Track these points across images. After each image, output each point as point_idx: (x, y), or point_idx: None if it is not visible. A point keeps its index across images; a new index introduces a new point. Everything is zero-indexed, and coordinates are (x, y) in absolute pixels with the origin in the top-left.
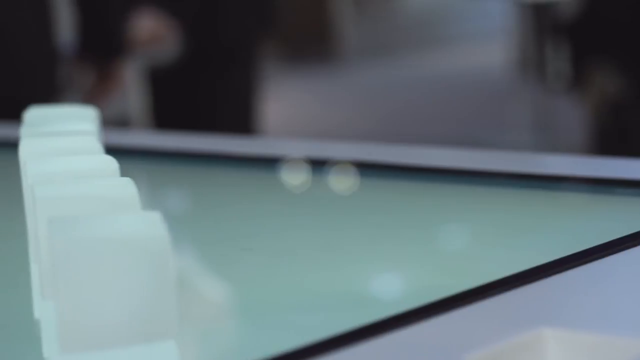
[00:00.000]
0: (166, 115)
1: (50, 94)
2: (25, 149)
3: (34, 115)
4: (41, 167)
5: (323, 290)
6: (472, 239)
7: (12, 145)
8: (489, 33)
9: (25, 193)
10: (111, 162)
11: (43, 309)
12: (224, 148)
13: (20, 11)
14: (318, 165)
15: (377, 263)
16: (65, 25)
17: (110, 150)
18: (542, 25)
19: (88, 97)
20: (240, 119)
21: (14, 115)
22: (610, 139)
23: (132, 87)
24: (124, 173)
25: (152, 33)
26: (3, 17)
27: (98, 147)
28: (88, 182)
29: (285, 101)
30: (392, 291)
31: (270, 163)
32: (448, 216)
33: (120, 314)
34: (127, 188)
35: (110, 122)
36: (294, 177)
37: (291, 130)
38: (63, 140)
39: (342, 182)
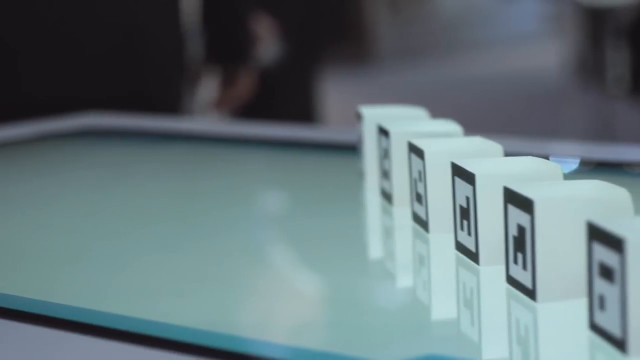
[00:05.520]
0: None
1: (176, 96)
2: (431, 150)
3: (373, 115)
4: (486, 168)
5: None
6: None
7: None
8: (527, 36)
9: (430, 189)
10: (555, 165)
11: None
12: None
13: (152, 13)
14: None
15: None
16: (193, 29)
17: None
18: (598, 28)
19: (215, 103)
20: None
21: (140, 111)
22: None
23: None
24: None
25: (255, 34)
26: (136, 19)
27: (499, 149)
28: (573, 185)
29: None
30: None
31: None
32: None
33: None
34: (616, 190)
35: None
36: None
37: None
38: (463, 142)
39: None
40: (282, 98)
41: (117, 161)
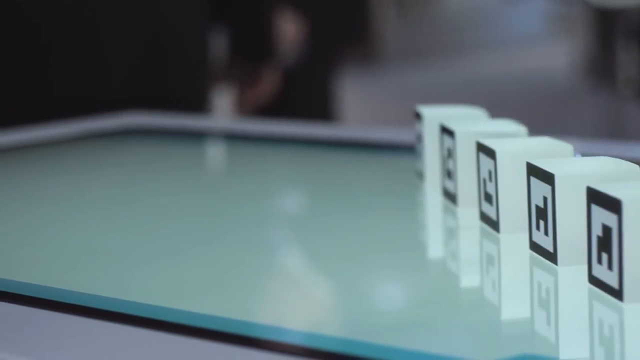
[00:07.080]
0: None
1: (199, 96)
2: (503, 150)
3: (433, 115)
4: (564, 168)
5: None
6: None
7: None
8: (536, 36)
9: (500, 189)
10: (633, 165)
11: None
12: None
13: (178, 14)
14: None
15: None
16: (217, 28)
17: None
18: (608, 29)
19: (238, 101)
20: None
21: (163, 111)
22: None
23: None
24: None
25: (280, 33)
26: (158, 20)
27: (570, 149)
28: None
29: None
30: None
31: None
32: None
33: None
34: None
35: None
36: None
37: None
38: (532, 142)
39: None
40: (301, 97)
41: (154, 158)
